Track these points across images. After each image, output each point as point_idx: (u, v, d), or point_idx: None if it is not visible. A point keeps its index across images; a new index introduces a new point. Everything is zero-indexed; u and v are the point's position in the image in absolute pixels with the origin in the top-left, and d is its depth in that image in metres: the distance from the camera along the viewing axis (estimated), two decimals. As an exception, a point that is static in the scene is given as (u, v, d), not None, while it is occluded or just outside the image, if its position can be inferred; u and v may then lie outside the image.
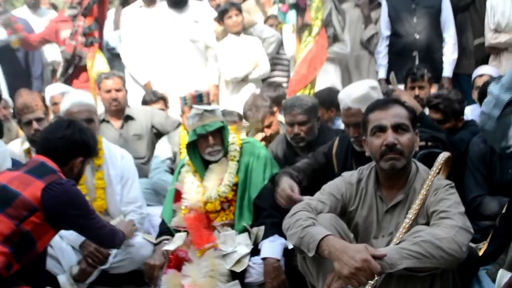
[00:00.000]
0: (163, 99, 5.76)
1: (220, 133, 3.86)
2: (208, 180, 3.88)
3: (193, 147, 3.90)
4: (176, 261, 3.70)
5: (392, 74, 4.46)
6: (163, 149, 4.90)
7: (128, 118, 5.22)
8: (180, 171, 4.04)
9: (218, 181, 3.86)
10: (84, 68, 6.39)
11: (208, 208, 3.84)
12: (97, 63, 6.14)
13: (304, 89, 5.54)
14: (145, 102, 5.72)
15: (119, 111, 5.22)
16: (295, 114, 4.20)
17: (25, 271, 2.87)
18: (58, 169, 3.01)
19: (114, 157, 4.19)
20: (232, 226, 3.82)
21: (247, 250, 3.66)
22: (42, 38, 6.83)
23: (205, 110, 3.82)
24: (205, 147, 3.85)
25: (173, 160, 4.87)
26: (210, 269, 3.55)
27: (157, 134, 5.24)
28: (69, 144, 3.03)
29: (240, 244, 3.68)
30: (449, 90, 4.73)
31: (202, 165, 3.93)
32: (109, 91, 5.21)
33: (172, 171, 4.75)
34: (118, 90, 5.23)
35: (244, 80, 6.22)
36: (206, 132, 3.80)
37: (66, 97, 4.28)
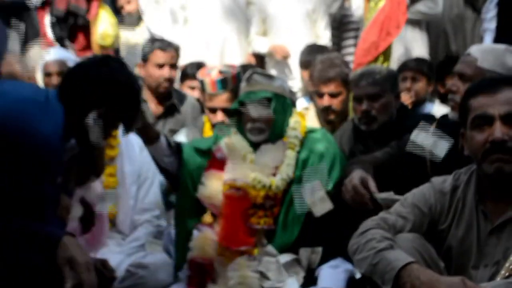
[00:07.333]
0: None
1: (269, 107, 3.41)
2: (258, 164, 3.42)
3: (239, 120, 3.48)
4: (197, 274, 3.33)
5: None
6: None
7: (173, 109, 4.72)
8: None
9: (271, 170, 3.39)
10: (82, 29, 6.00)
11: (250, 193, 3.37)
12: (102, 23, 5.81)
13: (375, 61, 5.03)
14: (184, 76, 5.19)
15: (166, 95, 4.70)
16: (362, 85, 3.82)
17: None
18: None
19: (132, 148, 3.75)
20: (269, 234, 3.36)
21: (296, 284, 3.24)
22: None
23: (255, 73, 3.42)
24: (246, 121, 3.41)
25: None
26: (238, 282, 3.19)
27: None
28: None
29: (288, 275, 3.27)
30: None
31: (248, 143, 3.45)
32: (161, 66, 4.64)
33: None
34: (172, 67, 4.71)
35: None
36: (249, 101, 3.36)
37: None
